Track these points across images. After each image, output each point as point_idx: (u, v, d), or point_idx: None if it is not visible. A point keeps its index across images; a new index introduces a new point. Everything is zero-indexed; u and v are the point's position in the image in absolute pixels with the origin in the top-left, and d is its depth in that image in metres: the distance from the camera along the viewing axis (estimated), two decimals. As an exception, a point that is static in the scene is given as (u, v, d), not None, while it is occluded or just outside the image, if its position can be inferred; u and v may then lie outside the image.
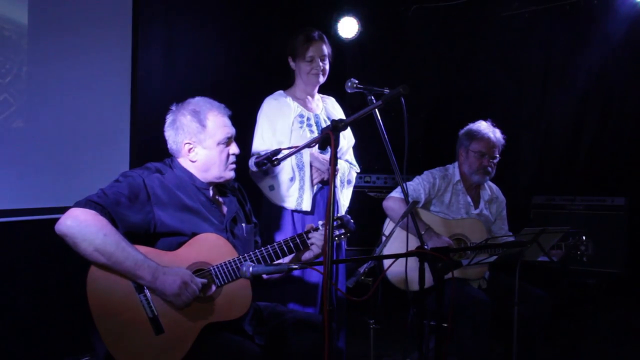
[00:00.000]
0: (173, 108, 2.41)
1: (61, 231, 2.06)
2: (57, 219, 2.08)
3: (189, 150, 2.36)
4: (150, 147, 2.75)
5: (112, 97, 3.57)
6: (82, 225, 2.05)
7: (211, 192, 2.44)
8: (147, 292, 2.12)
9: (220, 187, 2.51)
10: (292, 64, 3.18)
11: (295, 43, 3.12)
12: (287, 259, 2.46)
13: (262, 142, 3.06)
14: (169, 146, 2.42)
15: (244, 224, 2.49)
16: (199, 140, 2.35)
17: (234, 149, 2.41)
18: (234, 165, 2.42)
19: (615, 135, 4.86)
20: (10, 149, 3.12)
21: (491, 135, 3.37)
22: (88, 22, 3.42)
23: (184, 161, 2.40)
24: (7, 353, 3.12)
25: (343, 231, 2.48)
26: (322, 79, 3.16)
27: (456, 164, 3.45)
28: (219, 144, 2.36)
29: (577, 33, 4.86)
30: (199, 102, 2.40)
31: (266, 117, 3.10)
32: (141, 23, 3.69)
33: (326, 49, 3.13)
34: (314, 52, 3.09)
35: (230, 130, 2.40)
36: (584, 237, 3.13)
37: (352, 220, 2.49)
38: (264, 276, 2.47)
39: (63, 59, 3.31)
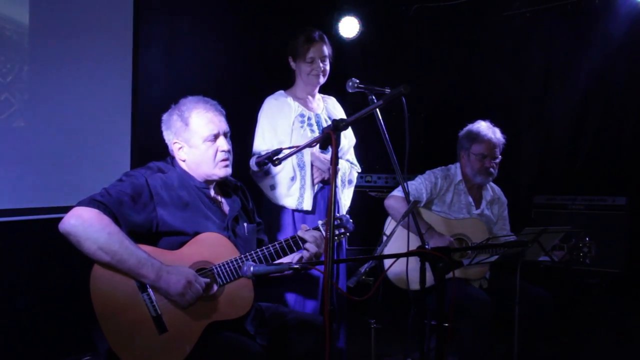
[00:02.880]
0: (171, 107, 2.42)
1: (65, 230, 2.06)
2: (58, 219, 2.08)
3: (178, 149, 2.36)
4: (151, 146, 2.75)
5: (113, 96, 3.57)
6: (86, 224, 2.05)
7: (212, 192, 2.43)
8: (150, 291, 2.13)
9: (223, 186, 2.50)
10: (292, 64, 3.17)
11: (295, 43, 3.12)
12: (287, 259, 2.46)
13: (263, 142, 3.06)
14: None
15: (245, 223, 2.49)
16: (185, 139, 2.34)
17: (222, 145, 2.34)
18: (225, 162, 2.36)
19: (616, 134, 4.87)
20: (10, 149, 3.12)
21: (492, 136, 3.36)
22: (89, 22, 3.42)
23: (178, 161, 2.39)
24: (8, 353, 3.12)
25: (342, 230, 2.49)
26: (322, 80, 3.15)
27: (458, 164, 3.44)
28: (204, 141, 2.32)
29: (578, 33, 4.86)
30: (187, 101, 2.39)
31: (267, 117, 3.10)
32: (141, 23, 3.69)
33: (327, 50, 3.13)
34: (315, 53, 3.08)
35: (216, 127, 2.34)
36: (587, 239, 3.11)
37: (350, 220, 2.49)
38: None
39: (64, 59, 3.31)
